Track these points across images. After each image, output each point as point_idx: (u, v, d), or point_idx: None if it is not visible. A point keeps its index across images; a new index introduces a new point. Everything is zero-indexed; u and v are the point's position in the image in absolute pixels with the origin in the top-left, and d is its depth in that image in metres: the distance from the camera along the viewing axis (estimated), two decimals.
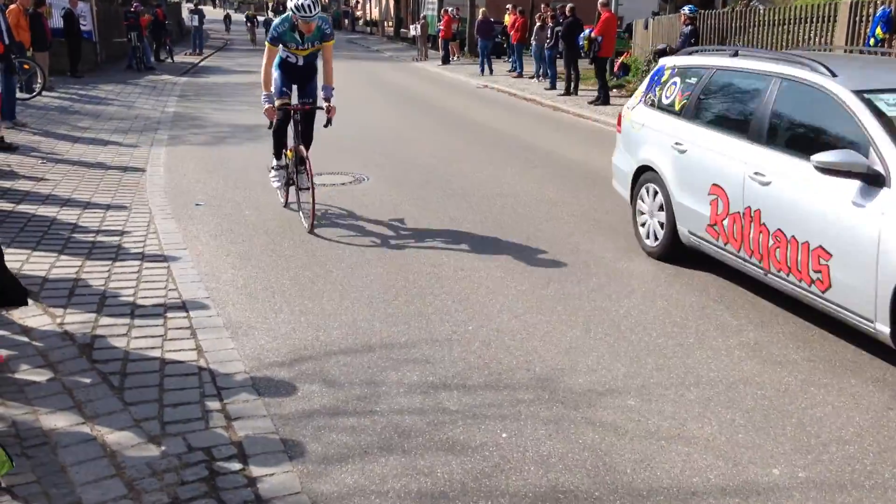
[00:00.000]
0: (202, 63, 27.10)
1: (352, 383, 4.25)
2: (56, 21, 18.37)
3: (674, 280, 5.96)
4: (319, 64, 7.35)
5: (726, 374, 4.42)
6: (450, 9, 29.52)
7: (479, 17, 23.35)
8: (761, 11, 14.58)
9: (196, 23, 30.45)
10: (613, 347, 4.76)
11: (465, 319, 5.15)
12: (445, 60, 27.41)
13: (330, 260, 6.31)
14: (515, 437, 3.72)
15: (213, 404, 3.92)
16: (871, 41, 11.18)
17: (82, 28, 19.96)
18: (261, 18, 49.59)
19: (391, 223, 7.43)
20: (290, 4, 6.75)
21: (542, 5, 22.16)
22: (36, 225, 6.85)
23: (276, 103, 7.13)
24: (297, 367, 4.43)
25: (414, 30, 34.65)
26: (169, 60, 25.72)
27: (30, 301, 4.91)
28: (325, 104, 7.13)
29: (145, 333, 4.72)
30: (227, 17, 51.17)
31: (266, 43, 7.11)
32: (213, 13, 62.81)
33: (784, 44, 13.12)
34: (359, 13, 53.23)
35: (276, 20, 7.10)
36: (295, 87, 7.42)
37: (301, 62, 7.23)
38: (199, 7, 33.09)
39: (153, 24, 24.93)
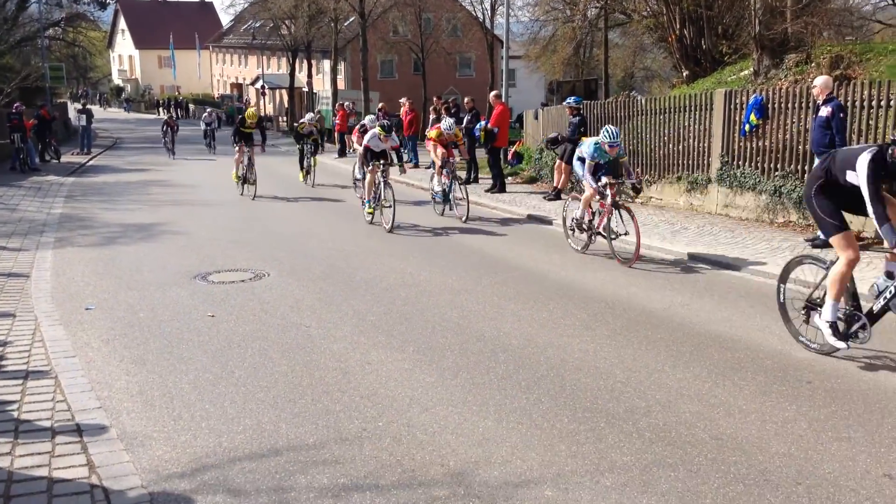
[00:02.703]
0: (90, 162, 26.41)
1: (258, 491, 4.03)
2: None
3: (581, 364, 5.99)
4: None
5: (639, 457, 4.42)
6: (345, 103, 29.96)
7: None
8: (642, 101, 15.32)
9: (84, 122, 29.82)
10: (526, 436, 4.70)
11: (374, 415, 5.01)
12: (342, 153, 27.59)
13: (231, 360, 6.08)
14: None
15: None
16: (746, 127, 11.88)
17: None
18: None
19: (294, 319, 7.26)
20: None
21: (434, 98, 22.74)
22: None
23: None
24: (198, 478, 4.18)
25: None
26: (55, 161, 24.97)
27: None
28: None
29: (31, 451, 4.39)
30: (170, 126, 29.44)
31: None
32: (102, 113, 59.91)
33: (665, 131, 13.80)
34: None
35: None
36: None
37: None
38: (88, 107, 32.41)
39: (38, 124, 24.27)
